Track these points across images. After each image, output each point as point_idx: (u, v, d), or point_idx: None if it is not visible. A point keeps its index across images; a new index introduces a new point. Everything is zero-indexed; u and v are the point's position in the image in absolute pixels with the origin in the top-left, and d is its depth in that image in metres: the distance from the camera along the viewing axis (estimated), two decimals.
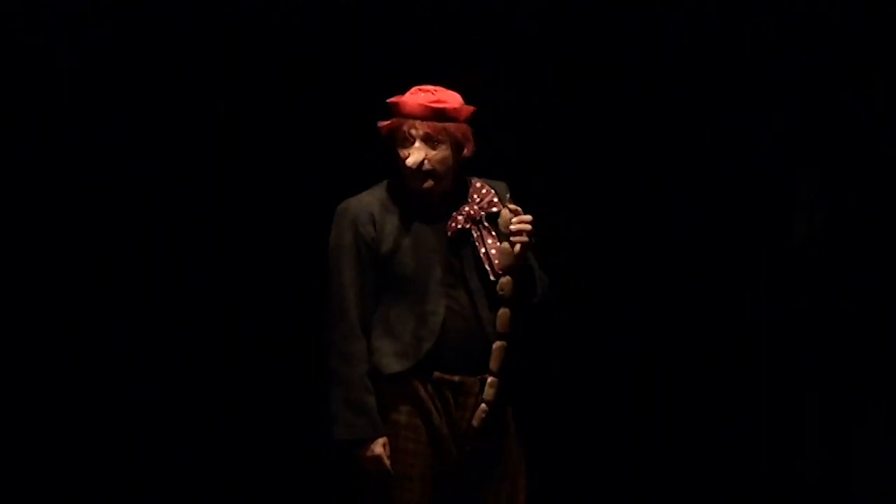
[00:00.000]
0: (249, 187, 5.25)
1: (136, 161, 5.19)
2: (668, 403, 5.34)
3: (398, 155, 3.71)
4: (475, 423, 3.66)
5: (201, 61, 5.21)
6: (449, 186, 3.76)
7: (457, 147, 3.69)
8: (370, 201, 3.75)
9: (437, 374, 3.66)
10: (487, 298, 3.72)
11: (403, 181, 3.74)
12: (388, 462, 3.62)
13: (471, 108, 3.74)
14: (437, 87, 3.72)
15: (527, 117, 5.33)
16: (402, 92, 3.75)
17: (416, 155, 3.65)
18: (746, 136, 5.29)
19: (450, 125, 3.66)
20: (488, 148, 3.86)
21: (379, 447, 3.62)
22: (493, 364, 3.68)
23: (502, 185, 3.83)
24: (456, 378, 3.68)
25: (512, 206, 3.70)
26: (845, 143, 5.21)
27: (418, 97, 3.68)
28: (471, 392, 3.70)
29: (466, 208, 3.73)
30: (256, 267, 5.27)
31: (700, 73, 5.30)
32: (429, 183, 3.68)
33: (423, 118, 3.65)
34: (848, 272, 5.22)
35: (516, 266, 3.68)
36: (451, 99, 3.70)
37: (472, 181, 3.80)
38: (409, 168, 3.66)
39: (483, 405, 3.66)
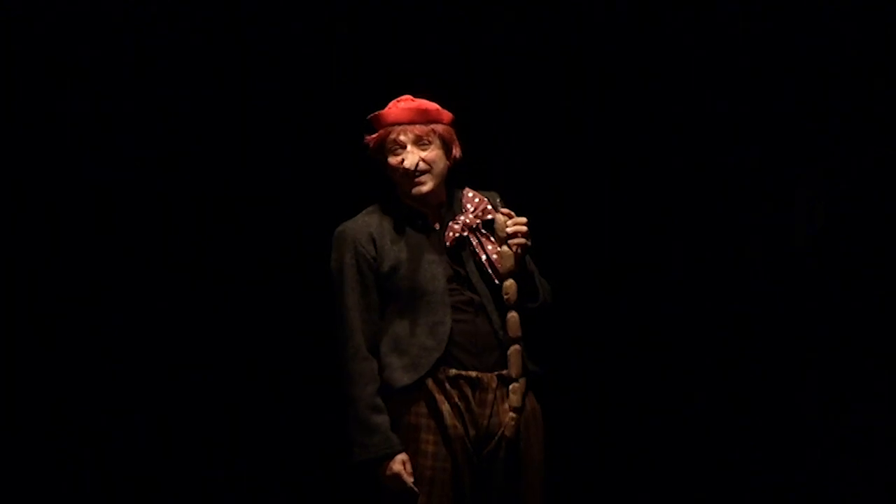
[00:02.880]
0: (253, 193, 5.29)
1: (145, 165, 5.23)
2: (669, 403, 5.35)
3: (389, 166, 3.74)
4: (507, 433, 3.66)
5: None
6: (441, 196, 3.79)
7: (446, 147, 3.74)
8: (367, 221, 3.78)
9: (453, 370, 3.66)
10: (495, 303, 3.73)
11: (396, 198, 3.79)
12: (409, 479, 3.60)
13: (450, 114, 3.82)
14: (413, 97, 3.79)
15: (524, 119, 5.34)
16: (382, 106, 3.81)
17: (410, 157, 3.71)
18: (746, 136, 5.29)
19: (436, 126, 3.72)
20: (480, 153, 3.90)
21: (397, 464, 3.60)
22: (514, 370, 3.69)
23: (494, 195, 3.85)
24: (473, 374, 3.68)
25: (505, 210, 3.73)
26: (845, 142, 5.21)
27: (400, 105, 3.73)
28: (489, 388, 3.70)
29: (462, 217, 3.75)
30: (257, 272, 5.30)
31: (700, 73, 5.30)
32: (426, 185, 3.71)
33: (409, 122, 3.69)
34: (848, 272, 5.22)
35: (517, 269, 3.70)
36: (431, 103, 3.75)
37: (464, 192, 3.83)
38: (406, 170, 3.70)
39: (512, 413, 3.67)
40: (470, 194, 3.83)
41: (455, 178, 3.87)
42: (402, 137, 3.69)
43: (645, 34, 5.27)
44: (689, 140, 5.33)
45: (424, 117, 3.72)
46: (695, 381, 5.32)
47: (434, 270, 3.69)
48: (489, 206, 3.79)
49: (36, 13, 5.10)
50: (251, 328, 5.29)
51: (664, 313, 5.36)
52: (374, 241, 3.73)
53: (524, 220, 3.72)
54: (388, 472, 3.60)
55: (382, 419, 3.63)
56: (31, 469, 5.11)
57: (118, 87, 5.21)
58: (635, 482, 5.35)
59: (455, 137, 3.80)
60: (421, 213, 3.79)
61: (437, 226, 3.79)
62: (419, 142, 3.72)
